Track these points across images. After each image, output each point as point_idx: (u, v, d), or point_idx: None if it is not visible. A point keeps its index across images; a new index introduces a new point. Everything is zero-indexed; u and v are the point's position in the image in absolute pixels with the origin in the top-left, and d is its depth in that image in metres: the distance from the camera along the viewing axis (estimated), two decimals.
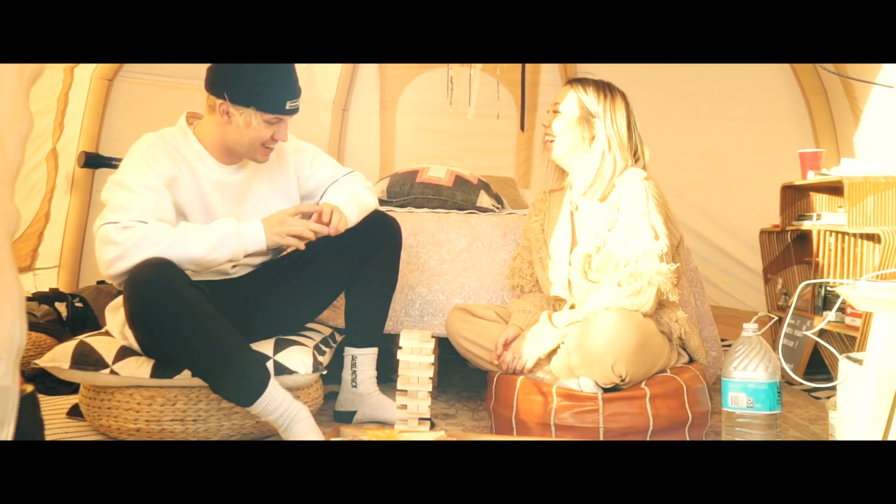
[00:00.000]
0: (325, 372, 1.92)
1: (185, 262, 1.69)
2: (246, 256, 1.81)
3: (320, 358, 1.91)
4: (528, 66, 3.96)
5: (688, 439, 1.79)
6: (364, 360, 2.03)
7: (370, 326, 2.05)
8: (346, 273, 2.02)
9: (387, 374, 2.40)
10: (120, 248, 1.63)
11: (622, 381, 1.72)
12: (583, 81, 1.97)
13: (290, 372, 1.82)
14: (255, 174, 1.94)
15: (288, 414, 1.67)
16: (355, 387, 2.03)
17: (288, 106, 1.78)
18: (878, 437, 1.25)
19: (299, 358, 1.85)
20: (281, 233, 1.78)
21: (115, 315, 1.88)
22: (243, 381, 1.65)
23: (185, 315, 1.62)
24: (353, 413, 2.03)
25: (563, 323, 1.85)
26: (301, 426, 1.66)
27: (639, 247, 1.79)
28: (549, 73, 4.64)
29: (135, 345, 1.82)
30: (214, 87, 1.78)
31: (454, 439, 1.44)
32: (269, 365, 1.81)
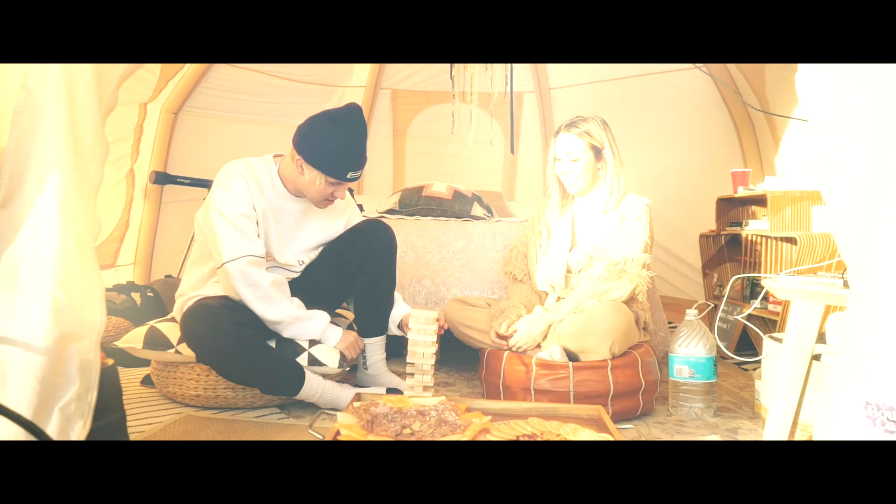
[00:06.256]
0: (347, 368, 1.87)
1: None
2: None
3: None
4: (514, 98, 3.93)
5: (641, 403, 1.79)
6: (372, 347, 1.97)
7: (374, 318, 1.97)
8: (346, 276, 1.96)
9: (398, 350, 2.40)
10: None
11: (612, 357, 1.77)
12: (583, 127, 1.95)
13: (320, 364, 1.78)
14: (311, 208, 1.94)
15: (329, 391, 1.75)
16: (366, 370, 1.99)
17: (348, 175, 1.78)
18: (795, 402, 1.25)
19: (328, 354, 1.80)
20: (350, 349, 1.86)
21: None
22: (286, 378, 1.73)
23: (232, 347, 1.68)
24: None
25: (565, 310, 1.87)
26: (346, 393, 1.76)
27: (630, 253, 1.89)
28: (529, 108, 4.63)
29: None
30: (298, 145, 1.78)
31: (453, 402, 1.44)
32: (304, 356, 1.78)
